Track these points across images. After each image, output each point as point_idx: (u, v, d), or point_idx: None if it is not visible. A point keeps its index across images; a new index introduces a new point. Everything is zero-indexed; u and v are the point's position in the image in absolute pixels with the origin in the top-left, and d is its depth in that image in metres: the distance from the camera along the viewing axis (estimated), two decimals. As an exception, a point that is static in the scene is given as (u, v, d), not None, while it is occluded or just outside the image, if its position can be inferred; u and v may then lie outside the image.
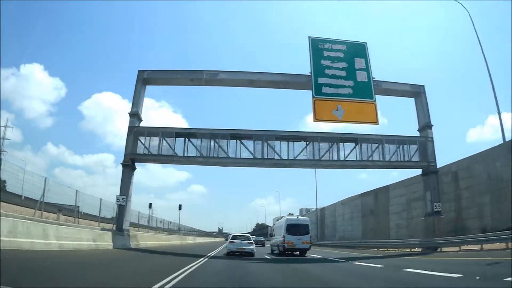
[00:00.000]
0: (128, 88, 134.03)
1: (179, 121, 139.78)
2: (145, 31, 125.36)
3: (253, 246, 18.50)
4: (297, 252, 20.15)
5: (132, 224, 24.50)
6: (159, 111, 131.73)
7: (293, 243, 19.61)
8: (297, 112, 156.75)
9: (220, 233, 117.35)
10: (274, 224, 28.82)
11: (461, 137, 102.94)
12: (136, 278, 7.51)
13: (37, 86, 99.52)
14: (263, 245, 41.17)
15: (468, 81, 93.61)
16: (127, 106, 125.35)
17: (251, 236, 22.50)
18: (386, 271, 10.64)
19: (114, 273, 8.18)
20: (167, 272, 7.97)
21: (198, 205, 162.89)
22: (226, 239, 24.88)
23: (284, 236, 19.76)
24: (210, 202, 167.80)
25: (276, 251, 22.12)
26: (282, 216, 28.35)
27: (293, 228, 19.97)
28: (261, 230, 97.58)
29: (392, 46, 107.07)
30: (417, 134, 23.09)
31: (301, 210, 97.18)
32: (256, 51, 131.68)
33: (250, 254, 17.74)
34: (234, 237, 19.47)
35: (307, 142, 21.70)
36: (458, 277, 7.85)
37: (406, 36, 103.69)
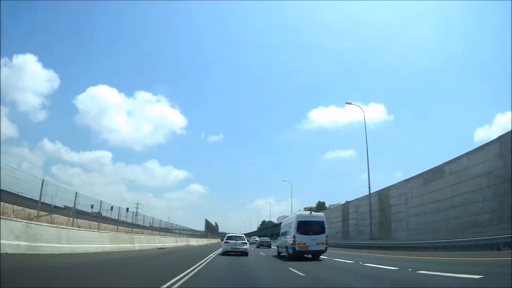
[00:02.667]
0: (124, 81, 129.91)
1: (176, 117, 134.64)
2: (143, 24, 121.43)
3: (246, 246, 19.62)
4: (310, 255, 16.64)
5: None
6: (156, 106, 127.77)
7: (305, 244, 16.00)
8: (299, 109, 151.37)
9: (214, 231, 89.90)
10: (281, 222, 25.04)
11: (468, 136, 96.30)
12: None
13: (30, 78, 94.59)
14: (269, 246, 37.27)
15: (473, 80, 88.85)
16: (123, 100, 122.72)
17: (245, 237, 22.53)
18: None
19: None
20: None
21: (197, 204, 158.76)
22: (222, 239, 23.72)
23: (294, 236, 16.16)
24: (209, 202, 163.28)
25: (284, 254, 18.56)
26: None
27: (306, 226, 16.40)
28: (268, 230, 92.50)
29: (395, 45, 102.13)
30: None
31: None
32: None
33: (244, 253, 18.71)
34: (229, 237, 20.40)
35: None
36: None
37: (409, 35, 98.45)
